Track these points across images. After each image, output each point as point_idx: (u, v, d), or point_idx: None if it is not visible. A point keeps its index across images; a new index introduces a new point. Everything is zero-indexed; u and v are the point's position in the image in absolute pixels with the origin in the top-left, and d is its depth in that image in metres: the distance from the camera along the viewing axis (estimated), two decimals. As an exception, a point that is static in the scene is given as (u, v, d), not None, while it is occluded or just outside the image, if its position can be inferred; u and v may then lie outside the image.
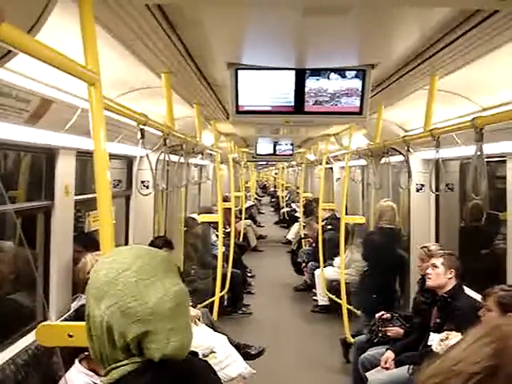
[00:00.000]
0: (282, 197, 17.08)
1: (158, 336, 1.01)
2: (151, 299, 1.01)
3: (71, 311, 3.00)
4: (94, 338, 1.04)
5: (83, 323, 1.85)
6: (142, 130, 2.47)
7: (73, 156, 2.95)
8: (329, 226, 7.19)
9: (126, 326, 1.00)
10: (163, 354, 1.01)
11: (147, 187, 4.18)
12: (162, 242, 4.15)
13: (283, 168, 19.31)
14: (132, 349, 1.02)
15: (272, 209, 19.49)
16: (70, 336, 1.78)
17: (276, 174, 23.83)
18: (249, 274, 8.20)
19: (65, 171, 2.89)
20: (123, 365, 1.02)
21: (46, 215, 2.86)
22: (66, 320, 2.88)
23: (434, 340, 2.87)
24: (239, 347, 4.14)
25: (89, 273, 3.24)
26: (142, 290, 1.01)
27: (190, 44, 2.33)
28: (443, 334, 2.82)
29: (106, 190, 1.52)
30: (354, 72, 2.73)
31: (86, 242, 3.47)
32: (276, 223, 15.64)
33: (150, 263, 1.06)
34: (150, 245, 3.88)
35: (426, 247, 3.76)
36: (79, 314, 2.82)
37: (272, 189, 25.48)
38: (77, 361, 2.53)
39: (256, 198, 18.34)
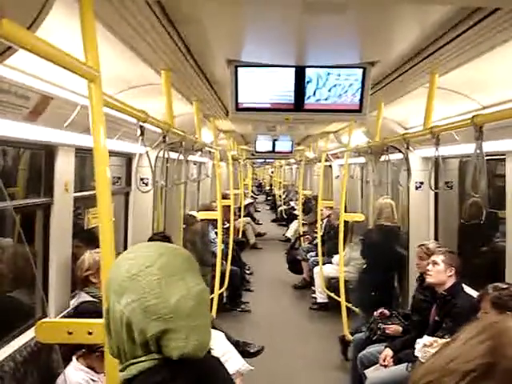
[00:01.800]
0: (280, 195, 17.05)
1: (177, 334, 1.00)
2: (173, 298, 1.01)
3: (70, 308, 3.00)
4: (113, 333, 1.04)
5: (82, 320, 1.87)
6: (141, 127, 2.47)
7: (72, 153, 2.95)
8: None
9: (146, 323, 1.00)
10: (182, 353, 1.00)
11: (146, 184, 4.17)
12: (160, 238, 4.13)
13: (280, 166, 19.29)
14: (151, 346, 1.01)
15: (268, 207, 19.48)
16: (69, 333, 1.78)
17: (272, 172, 23.82)
18: (248, 272, 8.19)
19: (64, 168, 2.89)
20: (142, 361, 1.01)
21: (45, 212, 2.86)
22: (65, 317, 2.88)
23: (420, 343, 2.84)
24: (238, 345, 4.14)
25: (87, 270, 3.24)
26: (163, 288, 1.01)
27: (190, 41, 2.32)
28: (429, 340, 2.80)
29: (106, 187, 1.52)
30: (354, 70, 2.72)
31: (87, 238, 3.47)
32: (273, 221, 15.64)
33: (173, 261, 1.06)
34: (149, 241, 3.87)
35: (424, 245, 3.76)
36: (78, 311, 2.82)
37: (267, 187, 25.44)
38: (74, 358, 2.54)
39: (252, 196, 18.33)
